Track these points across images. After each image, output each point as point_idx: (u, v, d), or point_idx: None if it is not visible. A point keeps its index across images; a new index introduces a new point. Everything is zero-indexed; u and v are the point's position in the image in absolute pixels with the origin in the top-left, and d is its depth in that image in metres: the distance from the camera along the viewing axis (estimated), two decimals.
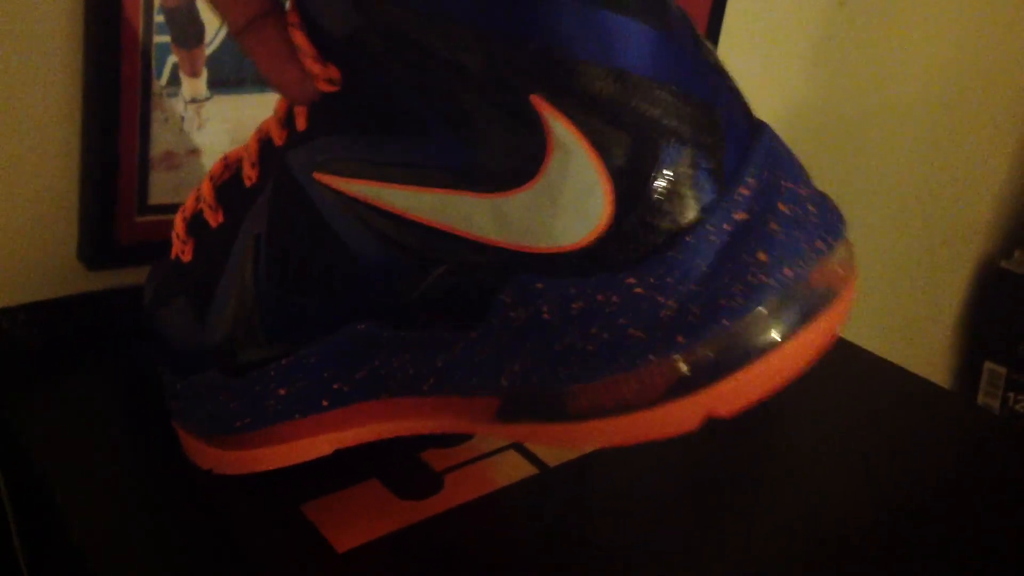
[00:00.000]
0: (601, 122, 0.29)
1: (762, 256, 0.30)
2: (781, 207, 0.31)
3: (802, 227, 0.31)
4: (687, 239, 0.30)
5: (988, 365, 1.37)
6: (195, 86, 0.59)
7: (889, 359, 0.63)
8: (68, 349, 0.55)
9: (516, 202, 0.30)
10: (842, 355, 0.62)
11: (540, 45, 0.29)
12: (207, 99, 0.60)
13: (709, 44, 0.32)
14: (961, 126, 1.24)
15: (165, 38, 0.57)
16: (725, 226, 0.30)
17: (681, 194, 0.30)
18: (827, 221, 0.32)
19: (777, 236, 0.30)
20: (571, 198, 0.30)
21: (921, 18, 1.11)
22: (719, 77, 0.32)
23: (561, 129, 0.29)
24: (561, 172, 0.30)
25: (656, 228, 0.30)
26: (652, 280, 0.30)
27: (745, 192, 0.30)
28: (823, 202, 0.32)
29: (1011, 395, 1.35)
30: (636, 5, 0.29)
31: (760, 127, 0.33)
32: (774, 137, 0.32)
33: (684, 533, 0.43)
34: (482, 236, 0.31)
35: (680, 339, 0.30)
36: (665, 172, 0.30)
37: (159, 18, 0.57)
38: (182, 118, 0.59)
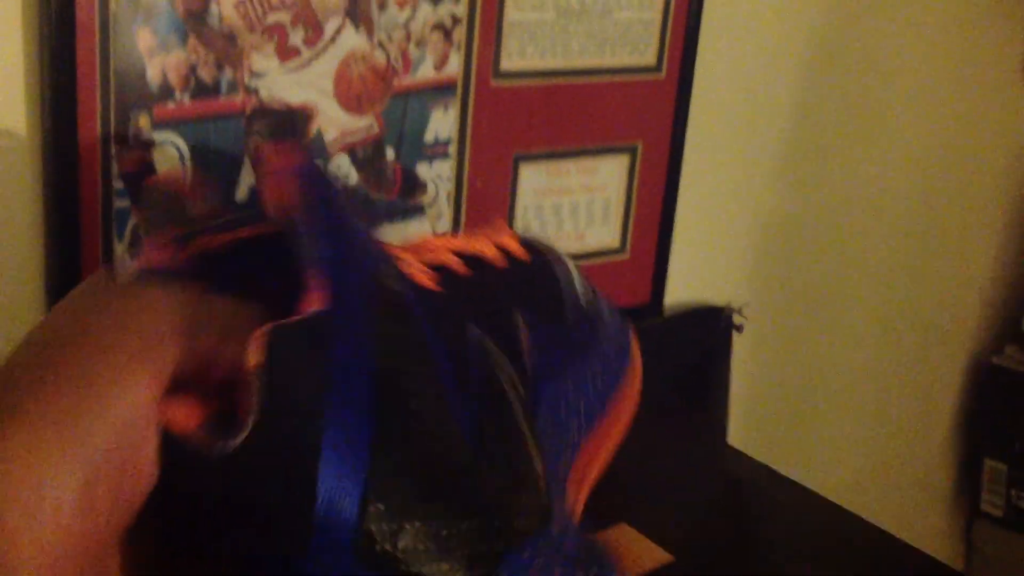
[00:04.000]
0: None
1: None
2: None
3: None
4: None
5: (988, 463, 1.35)
6: None
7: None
8: None
9: None
10: (838, 523, 0.61)
11: None
12: None
13: None
14: (942, 223, 1.25)
15: (125, 203, 0.59)
16: None
17: None
18: None
19: None
20: None
21: (896, 113, 1.12)
22: None
23: None
24: None
25: None
26: None
27: None
28: None
29: (1014, 492, 1.33)
30: None
31: None
32: None
33: None
34: None
35: None
36: None
37: (119, 184, 0.59)
38: None
